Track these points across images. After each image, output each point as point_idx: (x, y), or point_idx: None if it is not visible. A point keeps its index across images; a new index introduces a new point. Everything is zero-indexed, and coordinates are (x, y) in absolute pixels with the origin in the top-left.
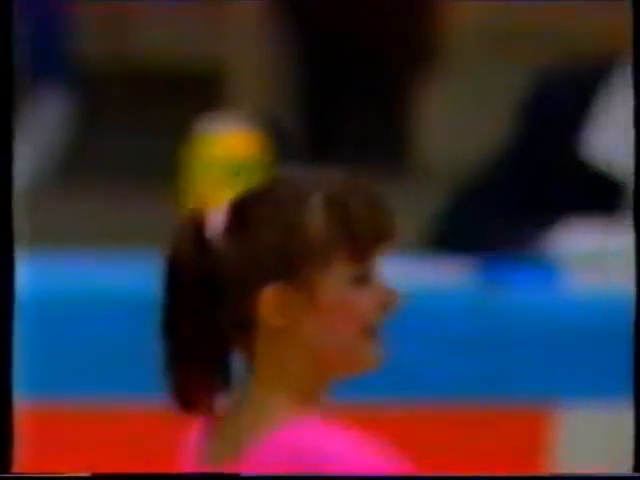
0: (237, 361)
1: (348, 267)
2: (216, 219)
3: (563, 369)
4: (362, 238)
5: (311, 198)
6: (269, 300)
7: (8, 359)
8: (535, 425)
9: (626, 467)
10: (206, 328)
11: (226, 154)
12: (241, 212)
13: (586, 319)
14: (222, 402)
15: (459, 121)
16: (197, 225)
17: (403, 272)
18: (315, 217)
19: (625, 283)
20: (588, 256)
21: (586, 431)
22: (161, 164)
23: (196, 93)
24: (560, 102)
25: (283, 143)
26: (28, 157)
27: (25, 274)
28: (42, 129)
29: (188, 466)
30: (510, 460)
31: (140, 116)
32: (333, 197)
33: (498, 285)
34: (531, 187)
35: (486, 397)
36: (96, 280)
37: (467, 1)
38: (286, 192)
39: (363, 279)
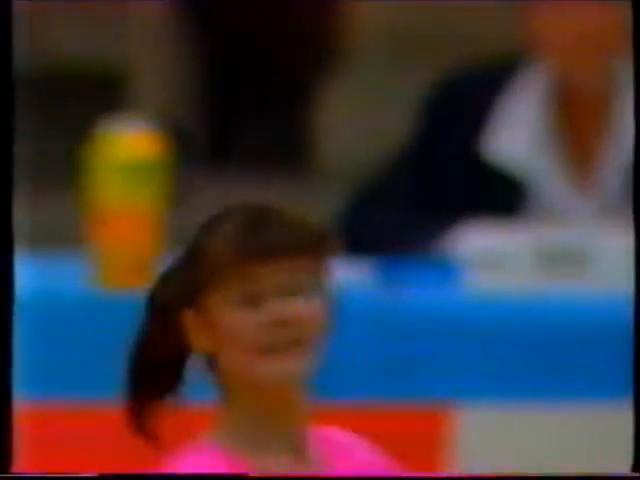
0: None
1: (236, 289)
2: None
3: (464, 368)
4: (244, 259)
5: (211, 228)
6: (185, 327)
7: (8, 359)
8: (436, 423)
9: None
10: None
11: (127, 155)
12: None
13: (486, 319)
14: None
15: (361, 121)
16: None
17: None
18: (207, 244)
19: (523, 282)
20: (488, 256)
21: (486, 429)
22: (63, 165)
23: (98, 94)
24: (462, 102)
25: (185, 144)
26: None
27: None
28: None
29: None
30: (411, 457)
31: (41, 117)
32: (227, 225)
33: (398, 285)
34: (432, 187)
35: (388, 396)
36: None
37: (370, 1)
38: (201, 226)
39: (254, 299)
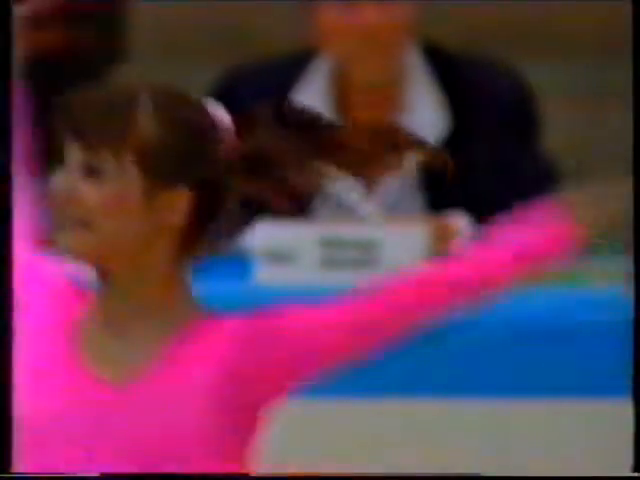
0: None
1: (79, 155)
2: None
3: None
4: (59, 126)
5: None
6: None
7: (8, 359)
8: None
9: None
10: None
11: None
12: None
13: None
14: None
15: None
16: None
17: None
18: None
19: (311, 275)
20: (277, 250)
21: (294, 426)
22: None
23: None
24: (248, 98)
25: None
26: None
27: None
28: None
29: None
30: None
31: None
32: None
33: (194, 277)
34: None
35: None
36: None
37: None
38: None
39: (93, 171)
